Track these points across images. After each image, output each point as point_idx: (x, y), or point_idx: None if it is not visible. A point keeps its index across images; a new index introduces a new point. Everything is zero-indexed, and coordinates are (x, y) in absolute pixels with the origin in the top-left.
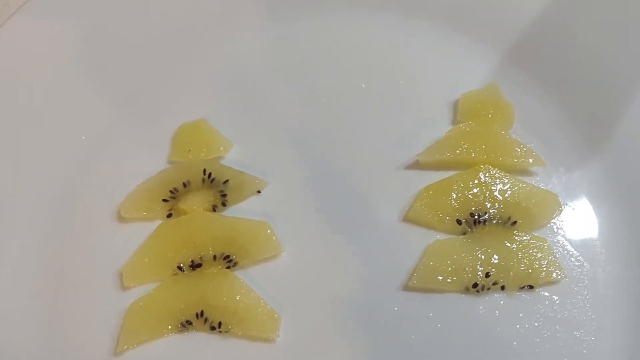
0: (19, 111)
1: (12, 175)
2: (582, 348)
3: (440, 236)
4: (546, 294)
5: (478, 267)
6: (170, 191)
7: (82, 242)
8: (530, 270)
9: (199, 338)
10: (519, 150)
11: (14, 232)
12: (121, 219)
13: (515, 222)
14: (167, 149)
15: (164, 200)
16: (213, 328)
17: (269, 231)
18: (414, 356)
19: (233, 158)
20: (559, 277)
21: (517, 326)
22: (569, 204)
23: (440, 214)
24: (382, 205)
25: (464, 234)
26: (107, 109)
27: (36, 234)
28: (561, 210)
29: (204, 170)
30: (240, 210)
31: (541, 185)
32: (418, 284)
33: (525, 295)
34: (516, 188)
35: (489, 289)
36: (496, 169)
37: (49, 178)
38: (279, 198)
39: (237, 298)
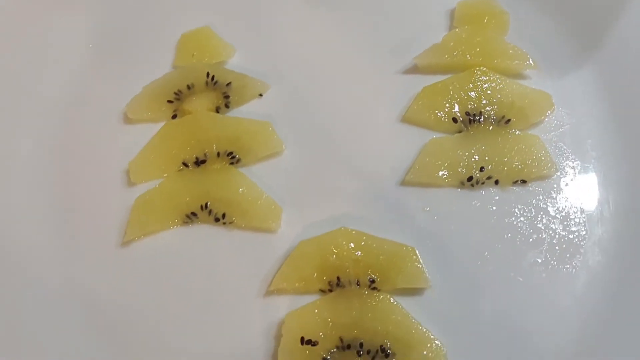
0: (30, 15)
1: (24, 79)
2: (573, 238)
3: (437, 135)
4: (539, 188)
5: (473, 162)
6: (175, 93)
7: (90, 142)
8: (523, 166)
9: (203, 230)
10: (513, 53)
11: (26, 132)
12: (128, 120)
13: (509, 121)
14: (171, 55)
15: (169, 102)
16: (217, 219)
17: (270, 129)
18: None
19: (235, 63)
20: (551, 171)
21: (512, 218)
22: (562, 105)
23: (437, 112)
24: (381, 107)
25: (460, 132)
26: (114, 16)
27: (47, 133)
28: (553, 109)
29: (208, 73)
30: (243, 112)
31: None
32: (415, 178)
33: (518, 190)
34: (510, 88)
35: (483, 183)
36: (491, 71)
37: (59, 82)
38: (280, 101)
39: (240, 190)
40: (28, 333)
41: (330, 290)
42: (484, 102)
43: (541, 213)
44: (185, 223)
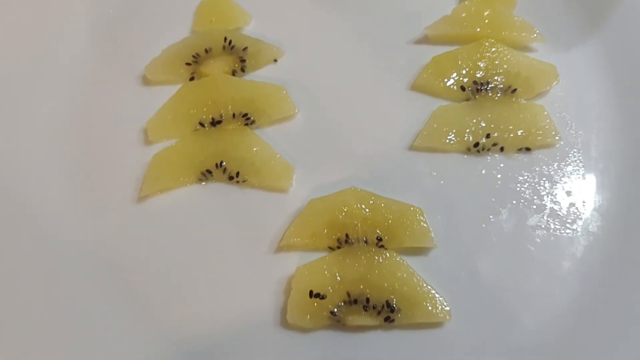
0: None
1: (46, 40)
2: (575, 204)
3: (445, 103)
4: (543, 157)
5: (479, 129)
6: (193, 56)
7: (110, 102)
8: (527, 134)
9: (217, 188)
10: (520, 26)
11: (48, 91)
12: (146, 81)
13: (515, 90)
14: (190, 21)
15: (187, 64)
16: (231, 178)
17: (284, 93)
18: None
19: (251, 30)
20: (555, 140)
21: (516, 184)
22: (567, 77)
23: (446, 81)
24: (391, 75)
25: (468, 100)
26: None
27: (69, 92)
28: (559, 80)
29: (225, 38)
30: (258, 77)
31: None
32: (423, 143)
33: (523, 157)
34: (517, 60)
35: (489, 149)
36: (499, 43)
37: (81, 43)
38: (294, 67)
39: (254, 150)
40: (44, 284)
41: (339, 247)
42: (492, 72)
43: (544, 179)
44: (199, 181)
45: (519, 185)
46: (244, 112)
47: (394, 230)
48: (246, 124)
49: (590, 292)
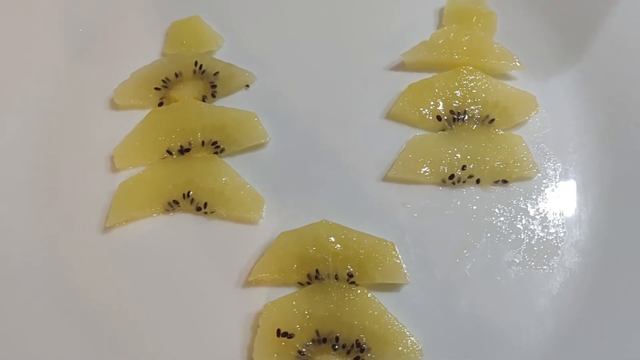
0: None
1: (11, 64)
2: (552, 239)
3: (420, 133)
4: (520, 189)
5: (455, 160)
6: (163, 80)
7: (77, 127)
8: (504, 165)
9: (184, 219)
10: (499, 53)
11: (13, 114)
12: (115, 106)
13: (493, 120)
14: (160, 43)
15: (156, 89)
16: (199, 209)
17: (255, 120)
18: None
19: (224, 53)
20: (533, 172)
21: (492, 218)
22: (546, 107)
23: (422, 110)
24: (366, 103)
25: (444, 130)
26: (106, 3)
27: (34, 116)
28: (538, 110)
29: (196, 62)
30: (229, 103)
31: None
32: (397, 174)
33: (499, 189)
34: (495, 88)
35: (464, 181)
36: (477, 71)
37: (48, 65)
38: (266, 93)
39: (223, 180)
40: (4, 316)
41: (309, 283)
42: (469, 101)
43: (521, 213)
44: (166, 211)
45: (494, 218)
46: (213, 139)
47: (366, 265)
48: (215, 152)
49: (566, 329)
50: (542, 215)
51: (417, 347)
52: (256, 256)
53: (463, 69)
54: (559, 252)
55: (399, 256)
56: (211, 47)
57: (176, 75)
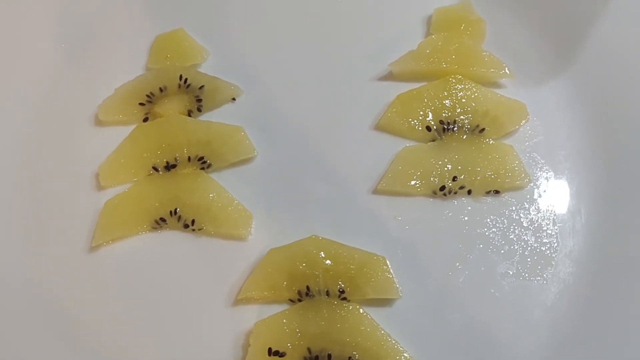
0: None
1: None
2: (545, 249)
3: (410, 144)
4: (512, 199)
5: (446, 171)
6: (147, 95)
7: (60, 144)
8: (496, 176)
9: (171, 236)
10: (488, 61)
11: None
12: (99, 122)
13: (483, 130)
14: (144, 57)
15: (141, 104)
16: (186, 226)
17: (242, 134)
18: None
19: (209, 66)
20: (524, 182)
21: (484, 229)
22: (537, 115)
23: (411, 121)
24: (354, 114)
25: (434, 140)
26: (88, 16)
27: (17, 133)
28: (528, 119)
29: (180, 76)
30: (215, 117)
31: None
32: (387, 187)
33: (491, 200)
34: (485, 97)
35: (455, 192)
36: (466, 80)
37: (30, 82)
38: (253, 106)
39: (211, 196)
40: None
41: (300, 300)
42: (459, 110)
43: (513, 224)
44: (154, 229)
45: (487, 229)
46: (200, 155)
47: (357, 281)
48: (202, 168)
49: (561, 341)
50: (535, 225)
51: None
52: (246, 273)
53: (452, 78)
54: (553, 262)
55: (391, 270)
56: (196, 60)
57: (161, 89)
